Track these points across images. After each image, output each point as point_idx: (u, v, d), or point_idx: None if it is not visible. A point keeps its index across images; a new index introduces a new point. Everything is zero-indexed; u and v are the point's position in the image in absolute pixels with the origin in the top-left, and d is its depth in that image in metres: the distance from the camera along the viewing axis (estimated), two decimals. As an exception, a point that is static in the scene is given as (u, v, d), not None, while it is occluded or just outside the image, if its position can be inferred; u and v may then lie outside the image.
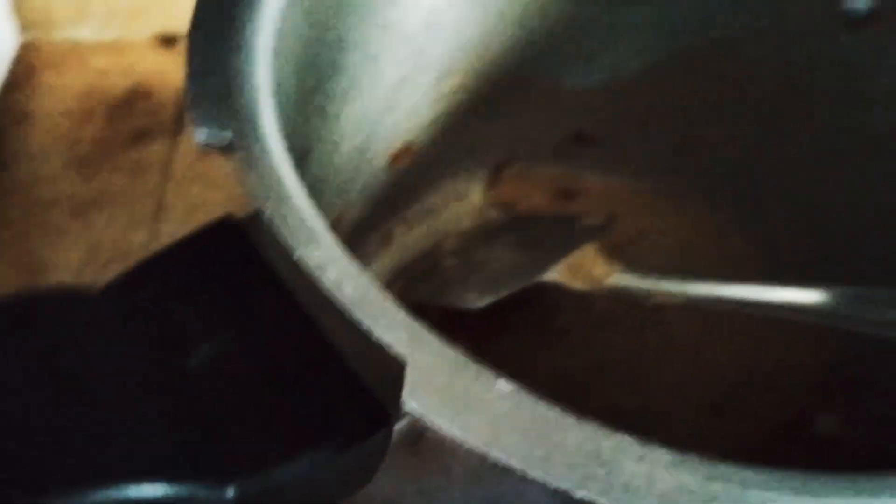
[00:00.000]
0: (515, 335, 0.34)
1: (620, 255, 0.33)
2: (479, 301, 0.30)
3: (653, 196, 0.37)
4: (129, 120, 0.48)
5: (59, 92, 0.48)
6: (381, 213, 0.35)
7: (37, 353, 0.16)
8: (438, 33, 0.31)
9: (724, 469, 0.15)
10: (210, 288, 0.18)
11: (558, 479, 0.15)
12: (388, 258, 0.36)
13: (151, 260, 0.19)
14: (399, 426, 0.17)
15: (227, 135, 0.18)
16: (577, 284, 0.30)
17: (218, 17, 0.21)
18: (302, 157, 0.27)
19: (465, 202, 0.37)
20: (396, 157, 0.34)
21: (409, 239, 0.36)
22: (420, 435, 0.19)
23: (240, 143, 0.19)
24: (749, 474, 0.15)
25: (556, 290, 0.32)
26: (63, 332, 0.16)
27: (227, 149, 0.19)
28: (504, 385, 0.16)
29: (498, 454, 0.15)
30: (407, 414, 0.16)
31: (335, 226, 0.32)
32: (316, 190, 0.29)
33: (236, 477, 0.16)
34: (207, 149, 0.19)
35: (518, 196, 0.37)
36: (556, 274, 0.31)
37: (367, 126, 0.31)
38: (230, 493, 0.15)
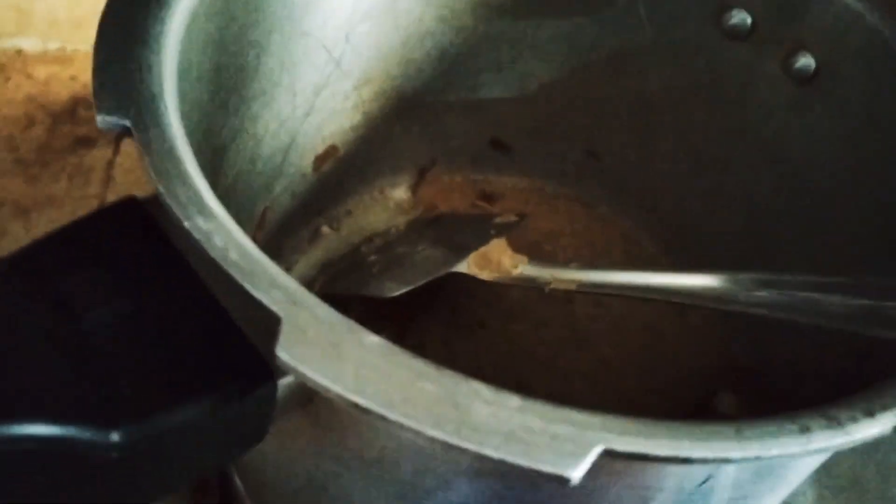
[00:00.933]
0: (434, 329, 0.35)
1: (532, 253, 0.35)
2: (394, 290, 0.32)
3: (564, 199, 0.39)
4: (71, 127, 0.49)
5: (3, 99, 0.49)
6: (308, 211, 0.37)
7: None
8: (356, 43, 0.33)
9: (566, 413, 0.17)
10: (109, 258, 0.20)
11: (415, 420, 0.16)
12: (316, 254, 0.37)
13: (55, 233, 0.20)
14: (284, 382, 0.19)
15: (125, 122, 0.20)
16: (485, 274, 0.32)
17: (128, 13, 0.22)
18: (220, 150, 0.29)
19: (389, 203, 0.39)
20: (321, 159, 0.35)
21: (335, 237, 0.38)
22: (311, 396, 0.20)
23: (139, 126, 0.20)
24: (589, 418, 0.17)
25: (473, 284, 0.34)
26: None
27: (126, 133, 0.20)
28: (373, 339, 0.18)
29: (361, 399, 0.17)
30: (285, 368, 0.17)
31: (262, 220, 0.34)
32: (238, 182, 0.31)
33: (122, 421, 0.17)
34: (108, 131, 0.20)
35: (440, 199, 0.39)
36: (466, 265, 0.32)
37: (289, 128, 0.33)
38: (115, 436, 0.17)
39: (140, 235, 0.20)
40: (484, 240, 0.34)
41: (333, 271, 0.36)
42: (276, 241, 0.35)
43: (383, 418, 0.17)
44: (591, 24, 0.34)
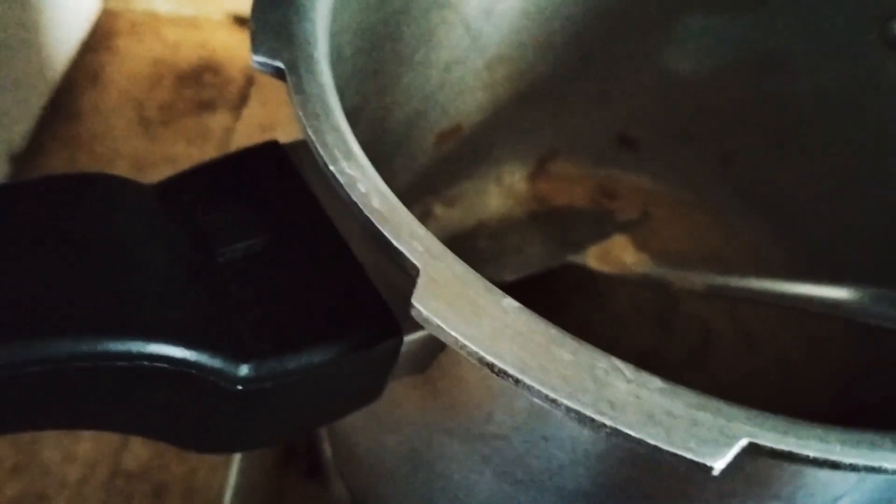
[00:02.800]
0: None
1: (652, 255, 0.34)
2: (506, 276, 0.31)
3: (688, 205, 0.37)
4: (195, 90, 0.50)
5: (133, 58, 0.50)
6: (424, 188, 0.36)
7: (89, 222, 0.17)
8: (495, 20, 0.32)
9: (712, 402, 0.16)
10: (247, 197, 0.20)
11: (550, 388, 0.16)
12: (426, 234, 0.37)
13: (201, 167, 0.20)
14: (409, 338, 0.18)
15: (279, 63, 0.20)
16: (605, 268, 0.31)
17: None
18: (353, 112, 0.28)
19: (506, 189, 0.38)
20: (444, 136, 0.35)
21: (448, 218, 0.37)
22: (431, 359, 0.20)
23: (292, 69, 0.20)
24: (734, 410, 0.16)
25: (583, 280, 0.33)
26: (114, 210, 0.18)
27: (279, 75, 0.20)
28: (511, 302, 0.17)
29: (497, 360, 0.16)
30: (416, 325, 0.17)
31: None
32: (364, 148, 0.30)
33: (252, 356, 0.17)
34: (262, 71, 0.20)
35: (558, 190, 0.38)
36: (585, 257, 0.32)
37: (419, 99, 0.32)
38: (244, 370, 0.17)
39: (279, 179, 0.20)
40: (602, 236, 0.33)
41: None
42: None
43: (518, 381, 0.16)
44: (742, 20, 0.32)
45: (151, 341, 0.16)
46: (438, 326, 0.16)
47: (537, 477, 0.21)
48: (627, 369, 0.16)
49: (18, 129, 0.44)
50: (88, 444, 0.37)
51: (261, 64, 0.20)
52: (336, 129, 0.19)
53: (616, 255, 0.31)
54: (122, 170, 0.46)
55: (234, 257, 0.18)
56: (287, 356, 0.17)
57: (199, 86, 0.50)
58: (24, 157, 0.45)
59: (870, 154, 0.32)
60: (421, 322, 0.17)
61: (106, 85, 0.50)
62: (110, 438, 0.37)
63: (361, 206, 0.18)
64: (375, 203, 0.18)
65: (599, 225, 0.34)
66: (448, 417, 0.21)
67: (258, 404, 0.17)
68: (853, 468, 0.16)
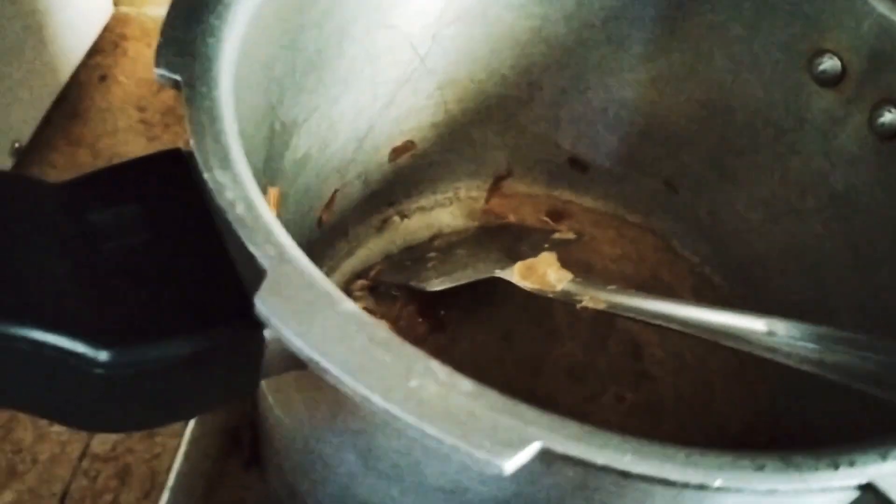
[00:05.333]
0: (472, 332, 0.35)
1: (589, 274, 0.35)
2: (436, 285, 0.33)
3: (635, 227, 0.38)
4: (195, 96, 0.52)
5: (140, 62, 0.53)
6: (380, 200, 0.38)
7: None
8: (443, 43, 0.34)
9: (517, 406, 0.17)
10: (140, 197, 0.21)
11: (366, 386, 0.17)
12: (381, 243, 0.38)
13: (107, 169, 0.22)
14: (271, 335, 0.20)
15: (177, 77, 0.22)
16: (527, 284, 0.32)
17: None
18: (292, 125, 0.30)
19: (461, 206, 0.39)
20: (397, 152, 0.37)
21: (405, 228, 0.39)
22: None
23: (188, 83, 0.22)
24: (536, 415, 0.17)
25: (517, 295, 0.34)
26: (10, 207, 0.20)
27: (176, 86, 0.22)
28: (348, 306, 0.18)
29: (321, 358, 0.17)
30: (262, 317, 0.18)
31: (331, 201, 0.35)
32: (309, 160, 0.32)
33: (111, 342, 0.18)
34: (162, 83, 0.22)
35: (510, 209, 0.39)
36: (510, 272, 0.33)
37: (367, 117, 0.34)
38: (104, 355, 0.18)
39: (175, 182, 0.22)
40: (536, 252, 0.34)
41: (393, 261, 0.37)
42: (345, 223, 0.37)
43: (339, 380, 0.17)
44: (681, 56, 0.34)
45: (12, 324, 0.17)
46: (274, 323, 0.18)
47: (399, 471, 0.22)
48: (442, 372, 0.18)
49: (24, 124, 0.47)
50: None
51: (160, 76, 0.22)
52: (218, 140, 0.21)
53: (540, 271, 0.32)
54: (119, 168, 0.48)
55: (116, 252, 0.20)
56: (148, 345, 0.19)
57: (198, 91, 0.52)
58: (27, 152, 0.48)
59: (796, 187, 0.33)
60: (262, 318, 0.18)
61: (112, 86, 0.52)
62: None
63: (226, 211, 0.19)
64: (239, 210, 0.20)
65: (538, 242, 0.35)
66: (326, 413, 0.23)
67: (123, 388, 0.19)
68: (643, 478, 0.17)
